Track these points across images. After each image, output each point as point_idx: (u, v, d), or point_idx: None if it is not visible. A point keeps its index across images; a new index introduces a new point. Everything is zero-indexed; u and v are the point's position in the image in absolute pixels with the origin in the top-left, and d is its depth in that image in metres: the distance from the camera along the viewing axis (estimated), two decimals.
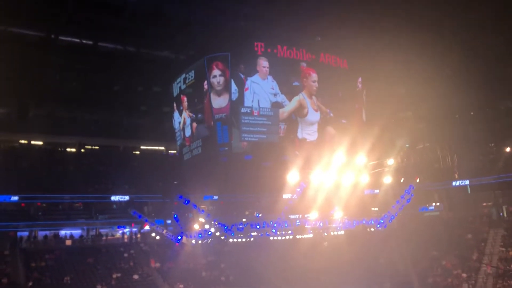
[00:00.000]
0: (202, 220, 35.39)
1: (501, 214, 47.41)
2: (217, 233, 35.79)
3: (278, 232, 38.43)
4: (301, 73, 34.12)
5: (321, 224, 37.76)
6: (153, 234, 40.10)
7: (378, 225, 39.40)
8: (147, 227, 39.97)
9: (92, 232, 41.73)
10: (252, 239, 38.69)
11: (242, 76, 31.83)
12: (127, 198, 41.27)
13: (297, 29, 36.23)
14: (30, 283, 32.31)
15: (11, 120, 44.16)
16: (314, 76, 34.25)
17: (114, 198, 41.20)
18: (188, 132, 35.61)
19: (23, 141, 46.99)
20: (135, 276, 36.28)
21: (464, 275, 39.74)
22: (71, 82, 43.08)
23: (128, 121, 51.53)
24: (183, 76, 35.43)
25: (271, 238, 39.43)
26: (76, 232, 40.97)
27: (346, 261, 41.33)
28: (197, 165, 35.78)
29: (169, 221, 40.39)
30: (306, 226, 38.00)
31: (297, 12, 34.73)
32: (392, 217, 39.17)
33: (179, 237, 36.55)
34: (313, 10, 34.34)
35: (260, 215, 43.53)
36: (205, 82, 32.42)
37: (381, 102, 40.93)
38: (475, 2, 34.57)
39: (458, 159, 52.42)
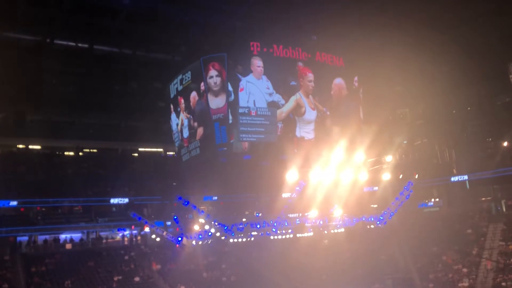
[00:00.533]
0: (202, 221, 35.38)
1: (499, 208, 47.55)
2: (217, 234, 35.78)
3: (278, 231, 38.46)
4: (298, 73, 34.12)
5: (321, 222, 37.79)
6: (153, 236, 40.17)
7: (378, 222, 39.46)
8: (147, 229, 40.02)
9: (92, 236, 41.65)
10: (252, 238, 38.70)
11: (240, 76, 31.81)
12: (126, 200, 41.23)
13: (293, 28, 36.24)
14: None
15: (9, 125, 44.05)
16: (311, 76, 34.23)
17: (114, 200, 41.14)
18: (186, 133, 35.59)
19: (21, 146, 46.85)
20: (136, 279, 36.28)
21: (465, 270, 39.87)
22: (67, 86, 43.04)
23: (125, 123, 51.47)
24: (180, 77, 35.36)
25: (272, 237, 39.47)
26: (76, 235, 40.90)
27: (346, 259, 41.48)
28: (196, 166, 35.73)
29: (169, 223, 40.41)
30: (306, 224, 38.04)
31: (292, 11, 34.74)
32: (391, 213, 39.23)
33: (180, 239, 36.56)
34: (309, 8, 34.35)
35: (260, 215, 43.52)
36: (202, 83, 32.39)
37: (378, 99, 40.99)
38: None
39: (456, 154, 52.55)
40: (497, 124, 49.22)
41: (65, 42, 38.27)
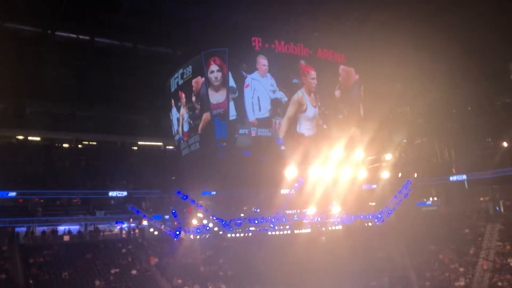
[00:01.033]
0: (200, 215, 35.38)
1: (498, 208, 47.62)
2: (216, 228, 35.78)
3: (276, 227, 38.43)
4: (300, 71, 34.16)
5: (319, 219, 37.74)
6: (151, 230, 40.21)
7: (376, 220, 39.39)
8: (145, 223, 40.03)
9: (90, 228, 41.70)
10: (250, 234, 38.69)
11: (244, 73, 31.85)
12: (125, 193, 41.24)
13: (295, 24, 36.18)
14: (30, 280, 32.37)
15: (8, 116, 44.03)
16: (313, 74, 34.44)
17: (112, 193, 41.17)
18: (186, 127, 35.57)
19: (20, 137, 46.77)
20: (134, 272, 36.32)
21: (462, 269, 39.96)
22: (68, 78, 42.98)
23: (125, 117, 51.42)
24: (181, 71, 35.35)
25: (269, 233, 39.40)
26: (74, 228, 40.95)
27: (344, 256, 41.45)
28: (196, 161, 35.75)
29: (167, 217, 40.42)
30: (304, 221, 37.99)
31: (294, 7, 34.68)
32: (389, 212, 39.14)
33: (177, 232, 36.57)
34: (310, 5, 34.29)
35: (258, 210, 43.54)
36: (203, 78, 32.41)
37: (379, 97, 40.95)
38: None
39: (455, 154, 52.58)
40: (497, 124, 49.20)
41: (66, 34, 38.21)
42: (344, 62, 36.48)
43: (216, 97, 31.93)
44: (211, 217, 34.97)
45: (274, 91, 32.72)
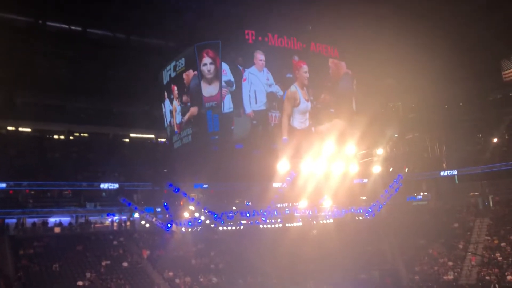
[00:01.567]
0: (192, 208, 35.41)
1: (487, 203, 48.16)
2: (207, 221, 35.84)
3: (268, 221, 38.62)
4: (293, 67, 34.27)
5: (311, 213, 37.95)
6: (143, 222, 40.15)
7: (367, 214, 39.70)
8: (136, 215, 39.98)
9: (81, 220, 41.56)
10: (242, 227, 38.86)
11: (240, 67, 31.85)
12: (116, 186, 41.11)
13: (288, 17, 36.11)
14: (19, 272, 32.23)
15: None
16: (305, 68, 34.46)
17: (104, 185, 41.03)
18: (178, 119, 35.46)
19: (11, 128, 46.33)
20: (125, 264, 36.30)
21: (450, 263, 40.41)
22: (60, 69, 42.56)
23: (117, 108, 51.14)
24: (173, 63, 35.12)
25: (261, 226, 39.64)
26: (65, 219, 40.74)
27: (334, 249, 41.79)
28: (188, 154, 35.68)
29: (159, 209, 40.40)
30: (295, 214, 38.19)
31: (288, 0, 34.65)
32: (380, 206, 39.47)
33: (169, 225, 36.56)
34: None
35: (250, 204, 43.67)
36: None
37: (371, 91, 41.08)
38: None
39: (446, 149, 53.00)
40: (488, 120, 49.67)
41: (58, 25, 37.82)
42: (337, 56, 36.50)
43: (208, 89, 31.80)
44: (203, 210, 35.02)
45: (270, 85, 32.88)
